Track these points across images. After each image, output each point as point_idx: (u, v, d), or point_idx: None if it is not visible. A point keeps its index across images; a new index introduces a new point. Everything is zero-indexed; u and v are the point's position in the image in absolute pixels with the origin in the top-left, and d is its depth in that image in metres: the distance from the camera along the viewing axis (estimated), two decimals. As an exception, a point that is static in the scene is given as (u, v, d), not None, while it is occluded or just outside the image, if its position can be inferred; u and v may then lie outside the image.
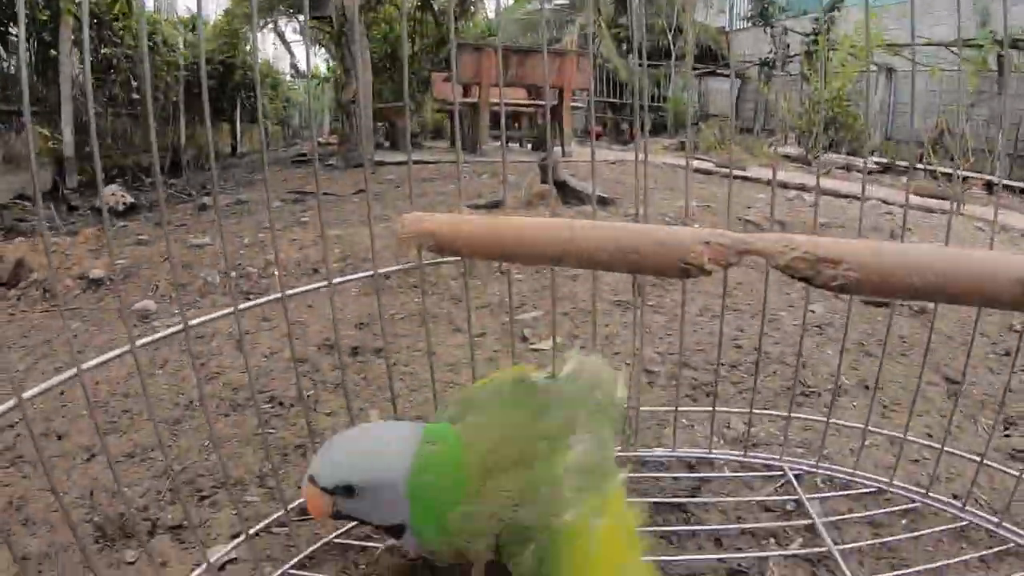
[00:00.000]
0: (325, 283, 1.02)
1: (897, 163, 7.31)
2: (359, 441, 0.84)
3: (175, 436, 1.39)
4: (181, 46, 6.55)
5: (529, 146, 6.83)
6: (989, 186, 6.11)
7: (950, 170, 5.20)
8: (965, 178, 5.10)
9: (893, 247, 0.66)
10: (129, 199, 4.21)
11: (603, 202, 3.45)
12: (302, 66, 10.89)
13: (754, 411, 1.30)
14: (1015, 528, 1.12)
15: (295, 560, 1.00)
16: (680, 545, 1.06)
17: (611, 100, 11.53)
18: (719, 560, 1.02)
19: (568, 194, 3.41)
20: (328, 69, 9.58)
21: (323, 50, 9.25)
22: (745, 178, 5.31)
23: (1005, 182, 6.37)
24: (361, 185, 4.46)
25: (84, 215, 4.20)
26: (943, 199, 4.85)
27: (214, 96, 7.58)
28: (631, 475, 1.21)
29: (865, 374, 1.72)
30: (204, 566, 0.96)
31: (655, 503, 1.14)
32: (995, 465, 1.28)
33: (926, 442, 1.30)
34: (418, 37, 9.58)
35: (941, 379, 1.74)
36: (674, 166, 5.73)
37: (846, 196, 4.64)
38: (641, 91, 1.12)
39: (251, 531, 1.02)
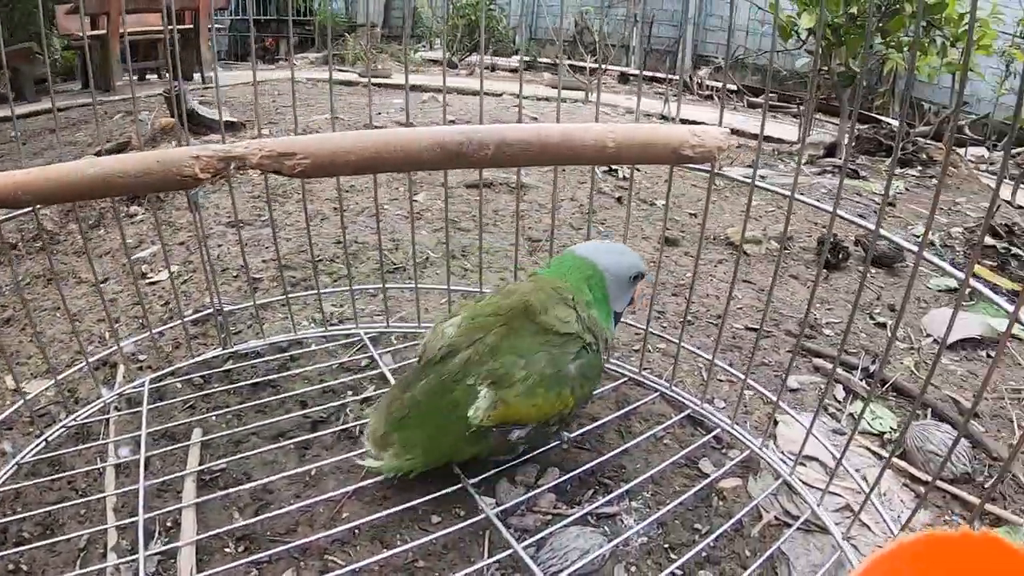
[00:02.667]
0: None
1: (539, 60, 7.84)
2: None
3: None
4: None
5: (168, 76, 6.40)
6: (624, 76, 6.79)
7: (584, 64, 5.71)
8: (595, 70, 5.64)
9: (336, 136, 0.83)
10: None
11: (232, 127, 3.41)
12: None
13: (324, 291, 1.52)
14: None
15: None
16: (270, 414, 1.23)
17: (256, 18, 10.95)
18: (303, 416, 1.21)
19: (199, 123, 3.32)
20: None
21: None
22: (387, 85, 5.48)
23: (636, 72, 7.12)
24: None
25: None
26: (576, 90, 5.36)
27: None
28: (229, 367, 1.36)
29: (453, 246, 1.97)
30: None
31: (251, 385, 1.31)
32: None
33: (472, 288, 1.55)
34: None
35: (526, 240, 2.03)
36: (316, 81, 5.71)
37: (486, 94, 4.96)
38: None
39: None
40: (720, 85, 6.08)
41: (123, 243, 1.23)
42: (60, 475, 1.13)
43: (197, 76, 6.01)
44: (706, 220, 1.13)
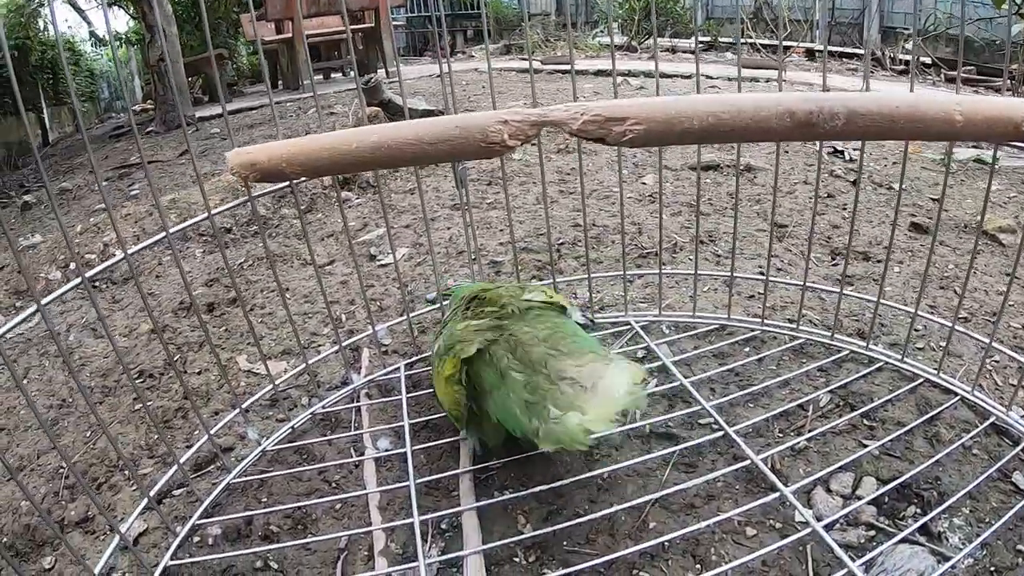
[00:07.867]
0: (163, 234, 0.98)
1: (720, 40, 7.58)
2: None
3: (57, 436, 1.29)
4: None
5: (352, 73, 6.60)
6: (810, 53, 6.42)
7: (771, 42, 5.42)
8: (785, 47, 5.36)
9: (672, 99, 0.71)
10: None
11: (430, 115, 3.44)
12: (101, 32, 10.02)
13: (593, 276, 1.40)
14: (846, 339, 1.26)
15: (200, 511, 1.00)
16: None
17: (426, 15, 11.21)
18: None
19: (394, 112, 3.36)
20: (129, 30, 8.83)
21: (121, 10, 8.49)
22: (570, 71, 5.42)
23: (823, 48, 6.73)
24: (186, 146, 4.25)
25: None
26: (766, 68, 5.09)
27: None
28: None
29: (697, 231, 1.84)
30: (117, 540, 0.94)
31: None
32: (818, 287, 1.41)
33: (755, 276, 1.41)
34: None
35: (769, 225, 1.88)
36: (500, 70, 5.75)
37: (671, 76, 4.84)
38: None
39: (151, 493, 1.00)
40: (910, 58, 5.61)
41: (391, 220, 1.17)
42: (310, 466, 1.08)
43: (381, 71, 6.15)
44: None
